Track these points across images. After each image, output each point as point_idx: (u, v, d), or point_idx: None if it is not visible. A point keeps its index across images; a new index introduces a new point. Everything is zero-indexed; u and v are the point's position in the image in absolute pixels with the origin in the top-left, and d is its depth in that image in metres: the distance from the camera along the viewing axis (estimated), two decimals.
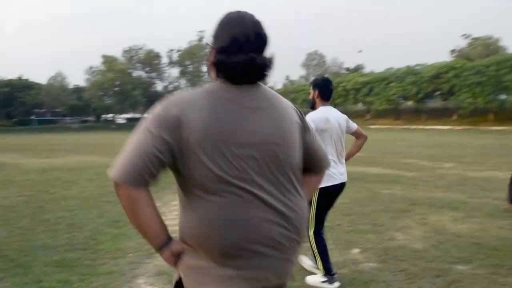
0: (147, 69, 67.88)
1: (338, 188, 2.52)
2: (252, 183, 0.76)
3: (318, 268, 2.54)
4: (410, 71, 35.07)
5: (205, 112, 0.78)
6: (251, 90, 0.85)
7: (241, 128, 0.78)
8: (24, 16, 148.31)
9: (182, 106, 0.80)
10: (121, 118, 69.44)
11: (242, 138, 0.78)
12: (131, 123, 55.20)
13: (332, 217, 3.86)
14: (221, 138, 0.76)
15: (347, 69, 71.42)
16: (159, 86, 67.93)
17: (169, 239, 0.83)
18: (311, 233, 2.49)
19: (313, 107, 2.58)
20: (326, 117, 2.51)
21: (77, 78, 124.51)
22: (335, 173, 2.50)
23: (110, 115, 56.92)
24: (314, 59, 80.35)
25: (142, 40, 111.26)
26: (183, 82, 68.36)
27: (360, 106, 41.29)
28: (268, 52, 0.83)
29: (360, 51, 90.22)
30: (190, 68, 66.03)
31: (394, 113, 36.44)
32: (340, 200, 3.42)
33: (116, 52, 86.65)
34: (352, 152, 2.83)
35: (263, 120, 0.82)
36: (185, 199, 0.80)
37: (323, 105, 2.58)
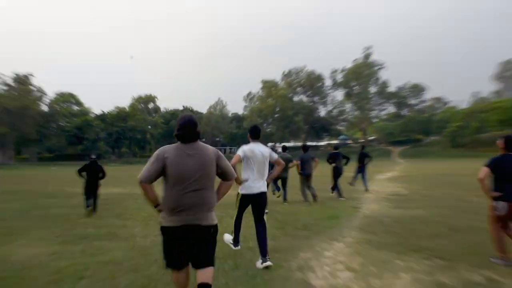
0: (309, 92, 75.97)
1: (255, 196, 5.03)
2: (189, 184, 3.17)
3: (232, 241, 5.55)
4: None
5: (172, 154, 3.19)
6: (191, 145, 3.23)
7: (185, 162, 3.17)
8: (183, 50, 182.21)
9: (165, 150, 3.19)
10: (281, 147, 79.36)
11: (185, 166, 3.17)
12: (294, 152, 59.53)
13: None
14: (177, 167, 3.18)
15: None
16: (322, 111, 76.49)
17: (158, 204, 3.31)
18: (234, 218, 5.41)
19: (248, 142, 5.30)
20: (251, 149, 5.03)
21: (236, 105, 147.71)
22: (252, 186, 4.97)
23: (270, 144, 63.36)
24: (510, 70, 79.68)
25: (302, 61, 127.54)
26: (348, 106, 74.49)
27: None
28: (198, 128, 3.23)
29: None
30: (356, 89, 71.09)
31: None
32: None
33: (276, 75, 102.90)
34: (273, 174, 5.36)
35: (195, 159, 3.19)
36: (164, 187, 3.27)
37: (252, 141, 5.14)
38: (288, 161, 10.43)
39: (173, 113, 76.96)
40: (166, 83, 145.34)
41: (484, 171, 4.85)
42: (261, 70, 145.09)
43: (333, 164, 11.72)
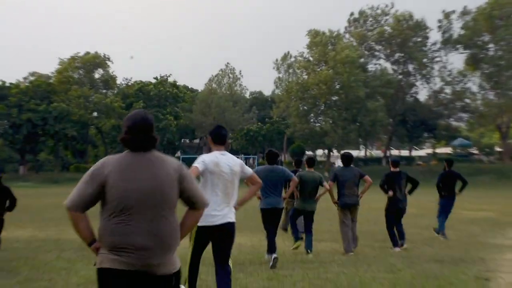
0: (398, 56, 70.04)
1: (217, 229, 5.54)
2: (138, 214, 3.25)
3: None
4: None
5: (116, 170, 3.28)
6: (143, 156, 3.29)
7: (133, 182, 3.20)
8: None
9: (105, 164, 3.34)
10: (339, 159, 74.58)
11: (134, 187, 3.19)
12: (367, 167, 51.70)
13: None
14: (122, 188, 3.22)
15: None
16: (422, 92, 74.08)
17: (93, 241, 3.36)
18: (188, 262, 5.86)
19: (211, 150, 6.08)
20: (216, 161, 5.60)
21: (258, 79, 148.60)
22: (213, 214, 5.39)
23: (316, 153, 66.84)
24: None
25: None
26: (474, 81, 69.16)
27: None
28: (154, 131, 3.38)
29: None
30: (493, 49, 66.05)
31: None
32: None
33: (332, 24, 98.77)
34: (245, 197, 6.17)
35: (148, 177, 3.22)
36: (102, 217, 3.39)
37: (217, 149, 5.75)
38: (314, 183, 10.39)
39: (140, 89, 72.77)
40: (132, 41, 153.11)
41: None
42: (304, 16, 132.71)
43: (390, 193, 11.30)
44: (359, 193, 10.56)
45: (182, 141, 78.45)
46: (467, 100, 69.02)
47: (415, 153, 77.47)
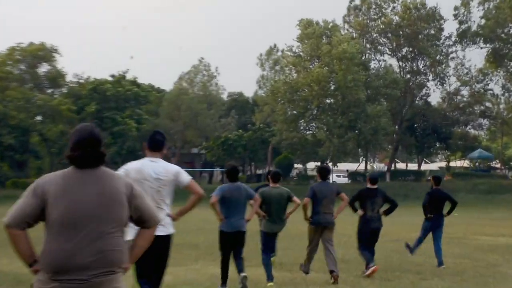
0: (406, 51, 70.78)
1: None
2: (83, 233, 3.65)
3: None
4: None
5: (59, 187, 3.70)
6: (90, 172, 3.72)
7: (78, 199, 3.65)
8: None
9: (46, 181, 3.81)
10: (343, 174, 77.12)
11: (79, 205, 3.65)
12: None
13: None
14: (66, 206, 3.66)
15: None
16: (434, 94, 76.01)
17: (34, 261, 3.74)
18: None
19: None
20: (139, 168, 6.39)
21: (237, 77, 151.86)
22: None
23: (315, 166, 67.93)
24: None
25: None
26: (496, 81, 70.29)
27: None
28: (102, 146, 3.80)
29: None
30: None
31: None
32: None
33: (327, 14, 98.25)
34: (185, 208, 6.77)
35: (94, 195, 3.67)
36: (45, 236, 3.74)
37: (150, 155, 6.57)
38: (282, 199, 10.93)
39: (94, 88, 72.60)
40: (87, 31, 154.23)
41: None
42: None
43: (359, 212, 12.24)
44: (335, 213, 11.30)
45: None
46: (488, 104, 69.35)
47: (425, 166, 78.13)
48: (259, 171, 78.52)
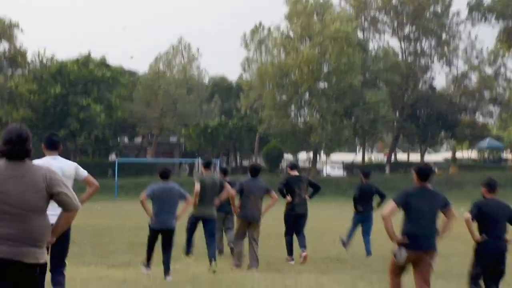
0: (410, 29, 71.33)
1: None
2: (8, 215, 4.97)
3: None
4: None
5: None
6: (16, 164, 5.08)
7: (4, 187, 4.99)
8: None
9: None
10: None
11: (4, 192, 4.97)
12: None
13: None
14: None
15: None
16: (439, 77, 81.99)
17: None
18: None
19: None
20: (47, 166, 6.37)
21: (221, 59, 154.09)
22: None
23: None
24: None
25: None
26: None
27: None
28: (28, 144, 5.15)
29: None
30: None
31: None
32: None
33: None
34: (82, 198, 7.40)
35: (18, 183, 5.00)
36: None
37: (49, 154, 8.20)
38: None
39: (59, 71, 72.00)
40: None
41: (390, 206, 8.12)
42: None
43: (288, 198, 14.21)
44: (263, 210, 13.06)
45: (119, 139, 79.00)
46: (499, 89, 70.02)
47: (429, 157, 78.99)
48: (245, 162, 78.28)
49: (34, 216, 5.04)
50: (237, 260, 12.94)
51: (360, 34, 68.67)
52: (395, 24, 69.13)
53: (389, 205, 8.00)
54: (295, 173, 14.48)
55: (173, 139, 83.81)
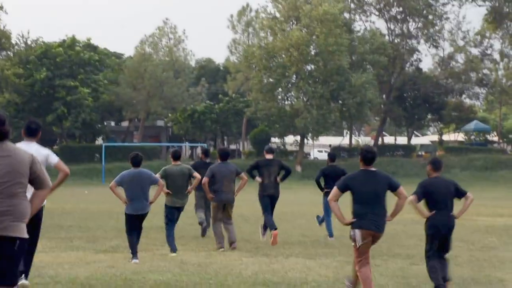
0: (396, 11, 70.39)
1: None
2: None
3: None
4: None
5: None
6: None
7: None
8: None
9: None
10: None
11: None
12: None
13: None
14: None
15: None
16: (426, 59, 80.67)
17: None
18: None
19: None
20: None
21: (208, 41, 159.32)
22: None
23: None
24: None
25: None
26: (497, 44, 71.64)
27: None
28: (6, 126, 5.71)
29: None
30: None
31: None
32: None
33: None
34: (53, 185, 7.07)
35: (3, 160, 5.57)
36: None
37: (27, 141, 8.84)
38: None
39: (44, 53, 71.12)
40: None
41: (333, 191, 8.69)
42: None
43: (258, 179, 15.23)
44: (235, 191, 14.00)
45: (106, 123, 78.51)
46: (486, 71, 70.02)
47: (415, 140, 79.07)
48: (233, 146, 78.04)
49: (19, 193, 5.47)
50: (219, 242, 13.55)
51: (346, 15, 68.18)
52: (382, 5, 68.66)
53: (333, 190, 8.55)
54: (270, 156, 15.31)
55: (160, 123, 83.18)
